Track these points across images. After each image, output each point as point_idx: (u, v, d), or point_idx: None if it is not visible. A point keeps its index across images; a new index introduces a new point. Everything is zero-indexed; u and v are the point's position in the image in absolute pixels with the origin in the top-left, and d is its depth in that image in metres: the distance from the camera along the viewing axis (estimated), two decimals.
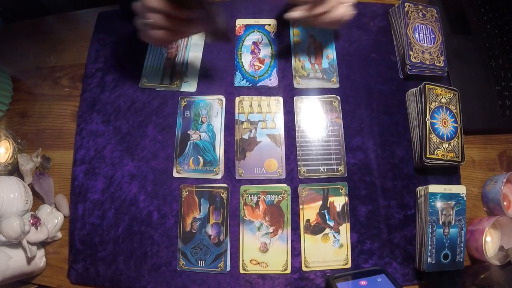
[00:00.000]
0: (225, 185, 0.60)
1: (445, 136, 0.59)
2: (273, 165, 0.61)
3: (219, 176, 0.61)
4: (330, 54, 0.67)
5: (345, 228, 0.58)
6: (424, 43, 0.65)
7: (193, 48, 0.68)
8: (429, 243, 0.55)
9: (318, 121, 0.63)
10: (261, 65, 0.67)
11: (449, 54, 0.65)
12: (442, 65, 0.64)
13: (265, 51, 0.68)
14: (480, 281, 0.52)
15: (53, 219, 0.60)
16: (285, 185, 0.60)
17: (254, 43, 0.68)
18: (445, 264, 0.55)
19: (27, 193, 0.61)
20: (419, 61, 0.63)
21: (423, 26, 0.66)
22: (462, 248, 0.56)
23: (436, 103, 0.60)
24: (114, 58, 0.69)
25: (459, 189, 0.57)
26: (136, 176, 0.61)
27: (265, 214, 0.59)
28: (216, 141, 0.62)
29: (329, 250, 0.57)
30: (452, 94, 0.61)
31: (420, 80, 0.61)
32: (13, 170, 0.65)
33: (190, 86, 0.66)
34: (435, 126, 0.59)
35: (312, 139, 0.62)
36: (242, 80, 0.66)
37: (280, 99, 0.64)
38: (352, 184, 0.60)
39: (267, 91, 0.65)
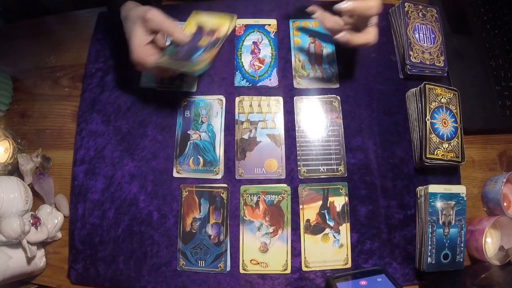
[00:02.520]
0: (225, 185, 0.60)
1: (445, 136, 0.59)
2: (273, 165, 0.61)
3: (219, 176, 0.60)
4: (330, 54, 0.67)
5: (345, 228, 0.58)
6: (424, 43, 0.65)
7: None
8: (429, 243, 0.55)
9: (318, 121, 0.63)
10: (261, 65, 0.67)
11: (449, 54, 0.65)
12: (442, 65, 0.64)
13: (265, 51, 0.67)
14: (480, 281, 0.52)
15: (53, 219, 0.60)
16: (285, 185, 0.60)
17: (254, 43, 0.68)
18: (445, 264, 0.55)
19: (27, 193, 0.60)
20: (419, 61, 0.63)
21: (423, 26, 0.66)
22: (462, 248, 0.56)
23: (436, 103, 0.60)
24: (114, 58, 0.68)
25: (459, 189, 0.57)
26: (136, 176, 0.61)
27: (265, 214, 0.59)
28: (216, 141, 0.62)
29: (329, 250, 0.57)
30: (452, 94, 0.61)
31: (420, 80, 0.61)
32: (13, 170, 0.65)
33: (190, 86, 0.65)
34: (435, 126, 0.59)
35: (312, 139, 0.62)
36: (242, 80, 0.66)
37: (280, 99, 0.64)
38: (352, 184, 0.60)
39: (267, 91, 0.65)
